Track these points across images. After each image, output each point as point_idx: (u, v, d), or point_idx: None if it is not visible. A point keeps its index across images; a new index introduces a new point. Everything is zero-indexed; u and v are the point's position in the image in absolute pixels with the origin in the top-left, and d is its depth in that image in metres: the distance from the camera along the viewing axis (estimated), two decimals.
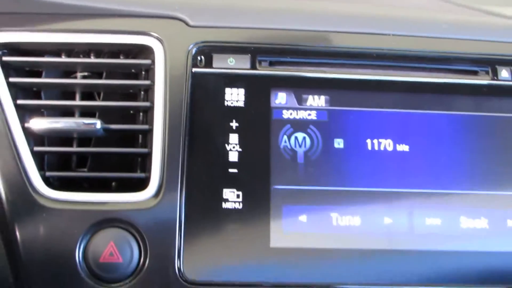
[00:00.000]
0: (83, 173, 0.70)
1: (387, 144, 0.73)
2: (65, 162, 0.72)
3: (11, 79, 0.69)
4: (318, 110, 0.73)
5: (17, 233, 0.65)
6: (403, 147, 0.73)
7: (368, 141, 0.73)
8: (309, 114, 0.73)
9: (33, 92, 0.73)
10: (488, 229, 0.71)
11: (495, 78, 0.77)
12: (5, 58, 0.70)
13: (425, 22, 0.80)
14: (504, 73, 0.77)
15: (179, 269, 0.66)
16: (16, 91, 0.70)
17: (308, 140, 0.72)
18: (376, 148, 0.73)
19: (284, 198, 0.69)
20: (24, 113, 0.69)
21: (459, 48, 0.78)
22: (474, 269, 0.70)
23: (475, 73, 0.77)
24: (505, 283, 0.70)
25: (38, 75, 0.73)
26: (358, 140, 0.73)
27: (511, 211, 0.72)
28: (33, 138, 0.69)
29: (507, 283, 0.70)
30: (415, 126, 0.74)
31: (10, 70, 0.70)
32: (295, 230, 0.68)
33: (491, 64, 0.77)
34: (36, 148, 0.68)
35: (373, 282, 0.68)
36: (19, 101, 0.69)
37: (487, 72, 0.77)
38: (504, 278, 0.70)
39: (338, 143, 0.72)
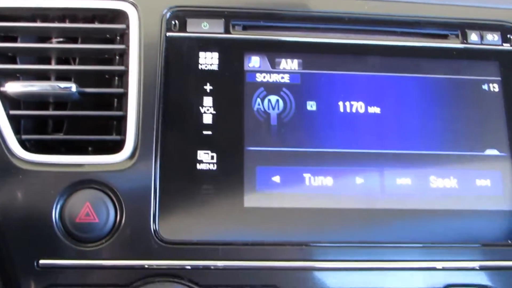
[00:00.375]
0: (59, 136, 0.70)
1: (358, 106, 0.73)
2: (41, 127, 0.72)
3: None
4: (291, 73, 0.74)
5: None
6: (374, 109, 0.73)
7: (340, 103, 0.73)
8: (282, 77, 0.73)
9: (9, 57, 0.72)
10: (457, 188, 0.72)
11: (465, 41, 0.78)
12: None
13: None
14: (473, 36, 0.78)
15: (154, 229, 0.66)
16: None
17: (281, 102, 0.72)
18: (348, 110, 0.73)
19: (258, 159, 0.70)
20: (0, 78, 0.69)
21: (430, 12, 0.78)
22: (444, 228, 0.71)
23: (445, 36, 0.78)
24: (474, 242, 0.71)
25: (14, 41, 0.73)
26: (330, 102, 0.73)
27: (480, 171, 0.73)
28: (9, 102, 0.69)
29: (476, 241, 0.71)
30: (387, 89, 0.75)
31: None
32: (268, 190, 0.69)
33: (461, 27, 0.78)
34: (12, 112, 0.68)
35: (345, 240, 0.69)
36: None
37: (457, 36, 0.78)
38: (473, 237, 0.71)
39: (311, 106, 0.73)
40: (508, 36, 0.79)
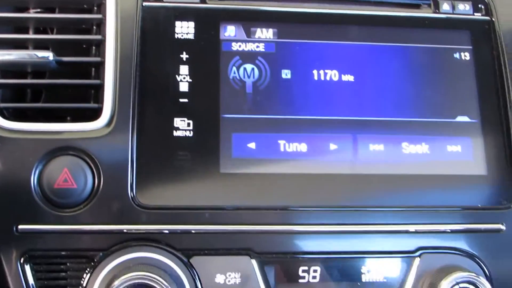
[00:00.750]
0: (36, 104, 0.71)
1: (332, 74, 0.74)
2: (20, 96, 0.73)
3: None
4: (266, 42, 0.75)
5: None
6: (348, 77, 0.75)
7: (315, 71, 0.74)
8: (258, 46, 0.74)
9: None
10: (429, 154, 0.74)
11: (437, 11, 0.79)
12: None
13: None
14: (445, 6, 0.79)
15: (132, 194, 0.67)
16: None
17: (256, 71, 0.73)
18: (322, 78, 0.74)
19: (233, 126, 0.71)
20: None
21: None
22: (415, 192, 0.73)
23: (417, 6, 0.79)
24: (445, 206, 0.73)
25: None
26: (304, 70, 0.74)
27: (451, 137, 0.74)
28: None
29: (448, 205, 0.73)
30: (360, 57, 0.76)
31: None
32: (244, 156, 0.70)
33: None
34: None
35: (318, 205, 0.71)
36: None
37: (429, 5, 0.79)
38: (444, 201, 0.73)
39: (286, 74, 0.74)
40: (480, 5, 0.80)
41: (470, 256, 0.73)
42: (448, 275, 0.69)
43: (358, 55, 0.76)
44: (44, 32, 0.75)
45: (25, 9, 0.74)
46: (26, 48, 0.72)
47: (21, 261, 0.66)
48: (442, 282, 0.69)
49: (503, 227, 0.73)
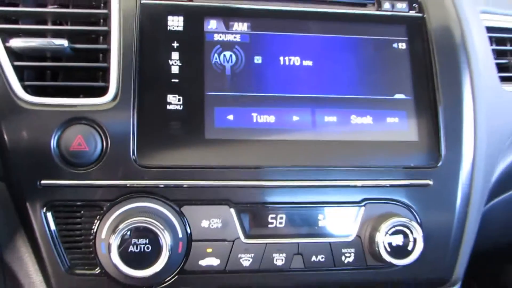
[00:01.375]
0: (55, 83, 0.75)
1: (295, 60, 0.80)
2: (41, 76, 0.77)
3: None
4: (242, 33, 0.80)
5: (3, 131, 0.70)
6: (308, 63, 0.80)
7: (281, 58, 0.80)
8: (235, 37, 0.79)
9: (12, 20, 0.77)
10: (372, 124, 0.80)
11: (380, 9, 0.85)
12: None
13: None
14: (386, 5, 0.85)
15: (134, 156, 0.72)
16: None
17: (234, 57, 0.79)
18: (287, 63, 0.80)
19: (215, 102, 0.76)
20: (5, 36, 0.74)
21: None
22: (362, 155, 0.79)
23: (364, 5, 0.84)
24: (385, 165, 0.79)
25: (15, 5, 0.77)
26: (273, 57, 0.80)
27: (390, 111, 0.81)
28: (13, 55, 0.73)
29: (387, 165, 0.79)
30: (318, 47, 0.81)
31: None
32: (224, 126, 0.76)
33: None
34: (16, 63, 0.73)
35: (284, 165, 0.76)
36: (0, 26, 0.73)
37: (373, 4, 0.85)
38: (385, 162, 0.79)
39: (257, 60, 0.79)
40: (414, 4, 0.85)
41: (405, 205, 0.79)
42: (387, 220, 0.75)
43: (316, 45, 0.81)
44: (60, 24, 0.78)
45: (44, 5, 0.78)
46: (45, 37, 0.76)
47: (44, 210, 0.72)
48: (382, 226, 0.75)
49: (430, 182, 0.79)
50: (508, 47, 0.99)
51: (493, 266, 1.68)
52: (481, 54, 0.87)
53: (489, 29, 0.95)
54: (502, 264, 1.68)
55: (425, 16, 0.84)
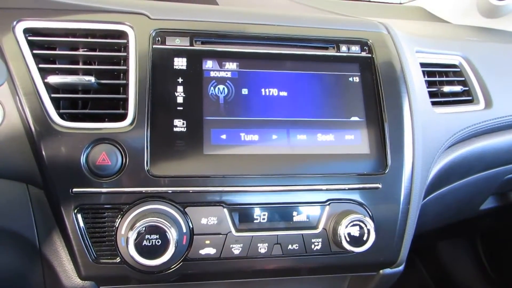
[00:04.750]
0: (85, 111, 0.73)
1: (274, 91, 0.78)
2: (74, 106, 0.74)
3: (35, 51, 0.71)
4: (232, 71, 0.77)
5: (43, 149, 0.68)
6: (283, 93, 0.78)
7: (263, 89, 0.77)
8: (227, 74, 0.77)
9: (50, 60, 0.74)
10: (334, 141, 0.78)
11: (338, 51, 0.83)
12: (30, 38, 0.72)
13: (299, 18, 0.84)
14: (343, 48, 0.83)
15: (147, 168, 0.70)
16: (39, 59, 0.72)
17: (226, 89, 0.76)
18: (267, 94, 0.77)
19: (212, 124, 0.74)
20: (44, 73, 0.71)
21: (318, 33, 0.82)
22: (326, 165, 0.76)
23: (326, 48, 0.82)
24: (345, 173, 0.76)
25: (53, 49, 0.74)
26: (256, 89, 0.77)
27: (348, 130, 0.79)
28: (51, 88, 0.71)
29: (346, 173, 0.77)
30: (291, 80, 0.79)
31: (34, 45, 0.72)
32: (218, 143, 0.73)
33: (336, 42, 0.82)
34: (53, 95, 0.71)
35: (266, 173, 0.74)
36: (41, 65, 0.71)
37: (333, 48, 0.83)
38: (344, 170, 0.76)
39: (244, 91, 0.76)
40: (364, 47, 0.84)
41: (360, 204, 0.77)
42: (346, 216, 0.74)
43: (290, 79, 0.79)
44: (89, 63, 0.76)
45: (76, 48, 0.76)
46: (77, 74, 0.74)
47: (75, 212, 0.69)
48: (342, 221, 0.73)
49: (380, 185, 0.77)
50: (437, 78, 0.97)
51: (429, 243, 1.69)
52: (416, 84, 0.85)
53: (422, 65, 0.94)
54: (436, 241, 1.69)
55: (373, 56, 0.82)
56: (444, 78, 0.99)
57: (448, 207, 1.11)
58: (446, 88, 0.96)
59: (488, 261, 1.72)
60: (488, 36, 1.32)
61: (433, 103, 0.92)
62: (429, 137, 0.86)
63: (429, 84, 0.96)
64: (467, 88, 0.99)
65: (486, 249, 1.74)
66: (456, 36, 1.26)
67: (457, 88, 0.98)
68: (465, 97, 0.99)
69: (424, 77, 0.94)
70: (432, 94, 0.95)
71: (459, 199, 1.12)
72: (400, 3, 1.85)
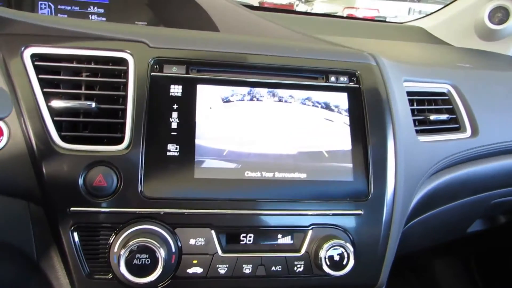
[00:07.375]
0: (86, 133, 0.75)
1: (262, 119, 0.79)
2: (75, 127, 0.76)
3: (40, 76, 0.74)
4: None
5: (44, 169, 0.70)
6: (272, 121, 0.78)
7: (250, 117, 0.79)
8: None
9: (54, 84, 0.77)
10: (319, 168, 0.80)
11: (328, 81, 0.84)
12: (37, 63, 0.74)
13: (289, 47, 0.86)
14: (332, 78, 0.84)
15: (141, 190, 0.70)
16: (44, 83, 0.74)
17: None
18: (254, 122, 0.79)
19: (203, 149, 0.76)
20: (48, 97, 0.73)
21: (308, 63, 0.84)
22: (311, 191, 0.78)
23: (316, 78, 0.84)
24: (330, 198, 0.78)
25: (58, 74, 0.77)
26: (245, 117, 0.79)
27: (334, 158, 0.81)
28: (54, 112, 0.73)
29: (332, 198, 0.78)
30: (279, 109, 0.81)
31: (40, 70, 0.74)
32: (209, 166, 0.76)
33: (325, 73, 0.83)
34: (55, 118, 0.73)
35: (252, 198, 0.76)
36: (45, 89, 0.73)
37: (323, 78, 0.84)
38: (330, 196, 0.78)
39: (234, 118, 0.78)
40: (353, 78, 0.85)
41: (342, 229, 0.78)
42: (328, 240, 0.75)
43: (279, 108, 0.81)
44: (91, 87, 0.78)
45: (79, 72, 0.78)
46: (79, 98, 0.76)
47: (72, 229, 0.70)
48: (324, 245, 0.75)
49: (362, 212, 0.79)
50: (425, 107, 0.99)
51: (425, 261, 1.72)
52: (401, 114, 0.86)
53: (411, 93, 0.95)
54: (431, 259, 1.72)
55: (361, 86, 0.83)
56: (433, 106, 1.01)
57: (434, 229, 1.13)
58: (433, 117, 0.98)
59: (482, 280, 1.74)
60: (484, 60, 1.34)
61: (420, 131, 0.94)
62: (412, 165, 0.87)
63: (418, 112, 0.98)
64: (454, 116, 1.01)
65: (479, 268, 1.76)
66: (451, 60, 1.29)
67: (444, 117, 0.99)
68: (452, 124, 1.01)
69: (413, 105, 0.96)
70: (420, 122, 0.97)
71: (446, 223, 1.13)
72: (401, 23, 1.89)
